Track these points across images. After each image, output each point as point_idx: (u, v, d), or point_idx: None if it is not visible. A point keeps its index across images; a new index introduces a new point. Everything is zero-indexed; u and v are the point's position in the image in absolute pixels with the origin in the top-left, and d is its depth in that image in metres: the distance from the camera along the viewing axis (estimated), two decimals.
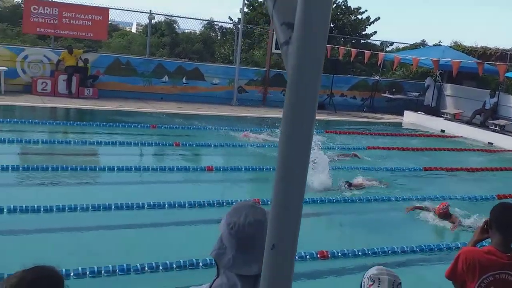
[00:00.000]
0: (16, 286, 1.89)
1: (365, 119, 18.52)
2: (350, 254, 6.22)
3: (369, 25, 26.19)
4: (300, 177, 1.07)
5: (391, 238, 7.05)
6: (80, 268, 5.03)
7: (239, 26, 19.70)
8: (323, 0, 1.03)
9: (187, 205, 7.29)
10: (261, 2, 27.98)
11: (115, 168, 8.83)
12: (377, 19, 26.23)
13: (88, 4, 17.53)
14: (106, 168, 8.84)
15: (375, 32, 26.74)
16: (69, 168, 8.48)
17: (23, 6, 18.16)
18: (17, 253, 5.41)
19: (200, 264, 5.37)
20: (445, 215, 7.74)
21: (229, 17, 28.07)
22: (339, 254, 6.16)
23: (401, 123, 18.88)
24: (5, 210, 6.37)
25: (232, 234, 1.73)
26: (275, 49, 19.39)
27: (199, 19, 25.73)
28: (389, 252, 6.38)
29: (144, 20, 23.12)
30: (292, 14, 1.07)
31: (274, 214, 1.08)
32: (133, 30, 50.65)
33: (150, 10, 18.43)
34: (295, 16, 1.04)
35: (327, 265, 5.97)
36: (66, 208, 6.67)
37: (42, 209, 6.52)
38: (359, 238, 7.11)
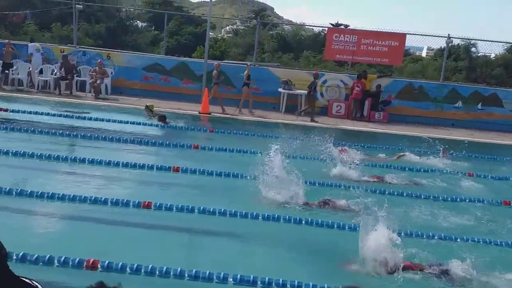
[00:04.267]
0: None
1: None
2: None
3: None
4: None
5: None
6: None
7: None
8: None
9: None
10: None
11: (404, 193, 8.81)
12: None
13: (386, 31, 18.05)
14: (386, 191, 8.86)
15: None
16: (355, 187, 8.78)
17: (323, 34, 19.76)
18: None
19: None
20: None
21: None
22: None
23: None
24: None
25: None
26: None
27: (502, 42, 23.80)
28: None
29: (437, 44, 22.53)
30: None
31: None
32: (423, 54, 49.90)
33: (448, 34, 17.91)
34: None
35: None
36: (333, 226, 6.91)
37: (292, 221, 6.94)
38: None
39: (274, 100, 17.61)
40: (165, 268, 5.16)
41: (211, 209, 7.09)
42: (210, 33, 46.05)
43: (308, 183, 8.33)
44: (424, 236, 6.72)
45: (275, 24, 36.96)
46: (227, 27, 64.68)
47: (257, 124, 14.90)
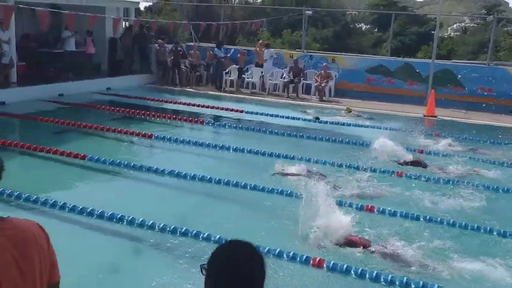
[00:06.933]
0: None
1: None
2: None
3: None
4: None
5: None
6: None
7: None
8: None
9: None
10: None
11: None
12: None
13: None
14: None
15: None
16: None
17: None
18: None
19: None
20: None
21: None
22: None
23: None
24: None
25: None
26: None
27: None
28: None
29: None
30: None
31: None
32: None
33: None
34: None
35: None
36: None
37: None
38: None
39: (510, 103, 15.89)
40: (400, 279, 5.08)
41: (425, 216, 6.74)
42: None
43: None
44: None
45: (511, 19, 33.24)
46: (454, 25, 60.46)
47: (489, 128, 13.63)
